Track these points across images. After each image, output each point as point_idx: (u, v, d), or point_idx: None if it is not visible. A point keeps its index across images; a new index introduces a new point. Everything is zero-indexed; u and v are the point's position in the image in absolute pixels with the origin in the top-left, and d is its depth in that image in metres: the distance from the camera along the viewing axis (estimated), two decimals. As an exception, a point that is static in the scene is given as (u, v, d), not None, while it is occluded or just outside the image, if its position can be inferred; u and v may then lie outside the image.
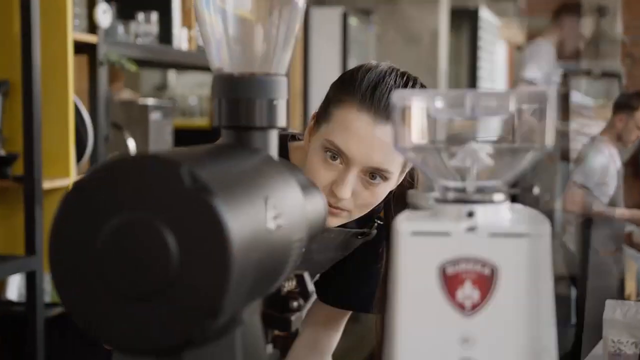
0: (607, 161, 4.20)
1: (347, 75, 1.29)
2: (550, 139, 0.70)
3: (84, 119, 2.58)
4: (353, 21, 5.12)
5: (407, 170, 1.32)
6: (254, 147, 0.80)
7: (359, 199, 1.26)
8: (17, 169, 2.40)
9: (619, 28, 8.55)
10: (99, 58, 2.63)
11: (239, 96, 0.80)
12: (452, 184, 0.72)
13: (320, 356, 1.37)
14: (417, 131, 0.73)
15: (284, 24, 0.83)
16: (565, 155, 4.82)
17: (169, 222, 0.61)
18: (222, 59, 0.82)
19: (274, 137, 0.82)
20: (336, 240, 1.40)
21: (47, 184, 2.41)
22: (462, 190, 0.72)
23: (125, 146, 2.90)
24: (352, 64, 6.06)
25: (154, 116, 3.06)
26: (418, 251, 0.69)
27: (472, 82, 7.40)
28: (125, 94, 3.77)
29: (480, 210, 0.69)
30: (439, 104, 0.71)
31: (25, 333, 2.35)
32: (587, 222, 4.27)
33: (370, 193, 1.26)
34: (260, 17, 0.82)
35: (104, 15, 2.63)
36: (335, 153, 1.24)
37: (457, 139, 0.74)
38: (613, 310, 1.99)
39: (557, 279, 4.24)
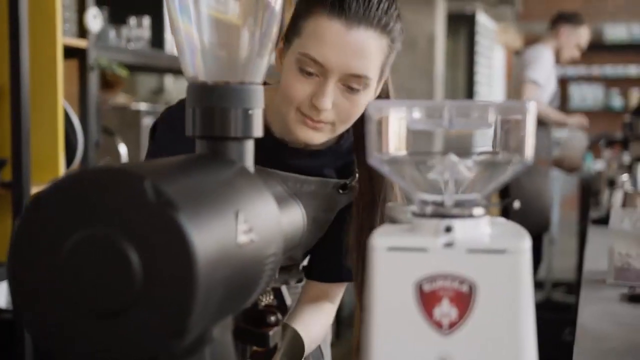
0: (551, 63, 4.50)
1: None
2: (530, 152, 0.67)
3: (74, 124, 2.55)
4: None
5: (384, 78, 1.30)
6: (228, 158, 0.77)
7: (340, 110, 1.24)
8: (6, 174, 2.38)
9: None
10: (89, 63, 2.60)
11: (214, 105, 0.78)
12: (430, 197, 0.70)
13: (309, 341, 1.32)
14: (393, 143, 0.70)
15: (260, 30, 0.80)
16: (558, 164, 4.84)
17: (132, 237, 0.58)
18: (196, 67, 0.80)
19: (249, 147, 0.80)
20: (318, 196, 1.36)
21: (35, 190, 2.38)
22: (441, 204, 0.69)
23: (117, 151, 2.88)
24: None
25: (147, 121, 3.03)
26: (394, 267, 0.67)
27: (470, 86, 7.38)
28: (120, 99, 3.75)
29: (458, 225, 0.67)
30: (416, 115, 0.69)
31: (14, 340, 2.32)
32: None
33: (351, 103, 1.23)
34: (235, 24, 0.80)
35: (95, 20, 2.61)
36: (310, 66, 1.21)
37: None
38: (620, 219, 1.88)
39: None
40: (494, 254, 0.65)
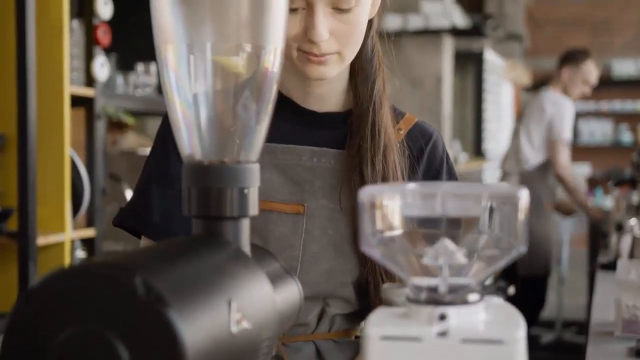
0: (573, 114, 4.51)
1: None
2: (522, 240, 0.67)
3: (80, 173, 2.56)
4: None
5: None
6: (223, 239, 0.77)
7: (340, 35, 1.15)
8: (12, 224, 2.38)
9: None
10: (96, 111, 2.62)
11: (209, 185, 0.78)
12: (424, 282, 0.70)
13: None
14: (386, 228, 0.70)
15: (256, 106, 0.81)
16: (558, 207, 4.83)
17: (123, 334, 0.58)
18: (192, 146, 0.80)
19: (245, 227, 0.80)
20: (338, 173, 1.22)
21: (41, 240, 2.39)
22: (435, 289, 0.69)
23: (123, 197, 2.89)
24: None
25: (153, 166, 3.04)
26: (388, 357, 0.66)
27: (478, 123, 7.39)
28: (130, 138, 3.77)
29: (452, 313, 0.66)
30: (409, 200, 0.69)
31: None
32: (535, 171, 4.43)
33: (349, 25, 1.14)
34: (231, 104, 0.80)
35: (102, 68, 2.63)
36: (291, 2, 1.12)
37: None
38: (627, 270, 1.84)
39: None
40: (489, 344, 0.65)
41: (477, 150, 7.36)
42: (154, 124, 3.94)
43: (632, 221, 3.14)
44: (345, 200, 1.20)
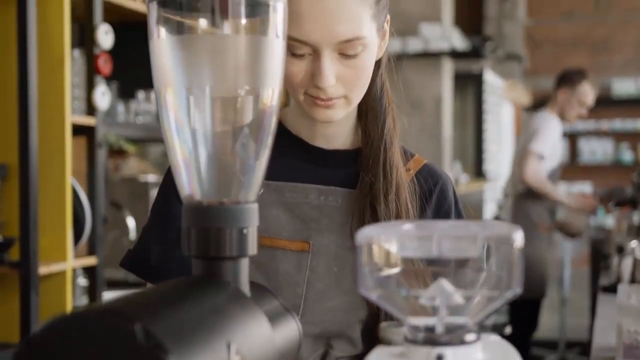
0: (558, 133, 4.50)
1: None
2: (518, 281, 0.68)
3: (82, 202, 2.57)
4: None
5: (384, 24, 1.20)
6: (223, 279, 0.78)
7: (346, 80, 1.14)
8: (14, 253, 2.39)
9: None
10: (97, 140, 2.64)
11: (209, 225, 0.79)
12: (421, 322, 0.70)
13: None
14: (383, 269, 0.71)
15: (253, 152, 0.82)
16: (560, 227, 4.83)
17: (123, 380, 0.59)
18: (191, 187, 0.81)
19: (244, 266, 0.81)
20: (345, 211, 1.22)
21: (43, 269, 2.39)
22: (432, 329, 0.70)
23: (125, 225, 2.90)
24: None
25: (155, 193, 3.05)
26: (386, 398, 0.67)
27: (478, 144, 7.41)
28: (132, 163, 3.78)
29: (450, 353, 0.67)
30: (405, 241, 0.70)
31: None
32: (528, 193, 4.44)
33: (355, 69, 1.14)
34: (229, 144, 0.81)
35: (103, 97, 2.65)
36: (298, 48, 1.12)
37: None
38: (627, 295, 1.83)
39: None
40: (485, 385, 0.65)
41: (477, 171, 7.37)
42: (155, 150, 3.96)
43: (633, 243, 3.14)
44: (350, 245, 1.20)
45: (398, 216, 1.21)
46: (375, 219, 1.20)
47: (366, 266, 0.70)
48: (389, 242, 0.70)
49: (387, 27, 1.23)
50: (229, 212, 0.79)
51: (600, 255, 4.60)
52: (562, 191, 4.60)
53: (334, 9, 1.10)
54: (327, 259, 1.21)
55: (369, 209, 1.21)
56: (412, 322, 0.70)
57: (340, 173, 1.26)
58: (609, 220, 8.20)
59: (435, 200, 1.28)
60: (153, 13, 0.79)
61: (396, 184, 1.22)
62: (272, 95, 0.82)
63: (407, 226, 0.73)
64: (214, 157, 0.81)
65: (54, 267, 2.45)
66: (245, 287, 0.80)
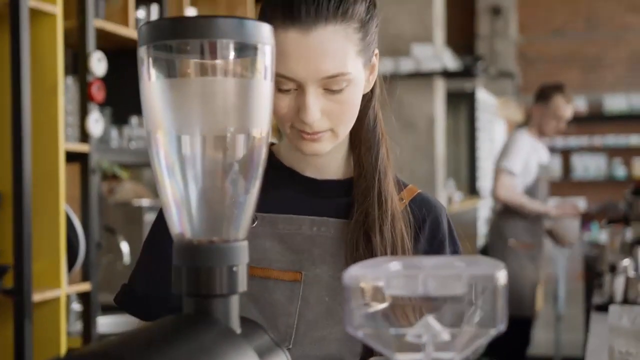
0: (529, 149, 4.43)
1: (265, 1, 1.20)
2: (502, 318, 0.69)
3: (76, 228, 2.58)
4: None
5: (371, 58, 1.21)
6: (213, 317, 0.79)
7: (332, 114, 1.16)
8: (7, 281, 2.40)
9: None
10: (90, 166, 2.65)
11: (199, 264, 0.80)
12: (408, 358, 0.72)
13: None
14: (370, 308, 0.72)
15: (243, 191, 0.83)
16: (552, 235, 4.82)
17: (115, 423, 0.60)
18: (182, 226, 0.83)
19: (234, 303, 0.82)
20: (338, 243, 1.23)
21: (37, 296, 2.40)
22: (419, 366, 0.71)
23: (119, 250, 2.90)
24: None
25: (149, 217, 3.06)
26: None
27: (471, 162, 7.43)
28: (127, 187, 3.79)
29: (437, 390, 0.68)
30: (392, 281, 0.71)
31: None
32: (505, 211, 4.43)
33: (340, 104, 1.15)
34: (219, 185, 0.83)
35: (96, 124, 2.66)
36: (284, 84, 1.14)
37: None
38: (619, 317, 1.84)
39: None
40: (471, 423, 0.67)
41: (471, 189, 7.39)
42: (149, 174, 3.97)
43: (625, 262, 3.15)
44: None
45: (394, 246, 1.22)
46: (370, 249, 1.21)
47: (353, 304, 0.72)
48: (376, 281, 0.71)
49: (375, 60, 1.24)
50: (219, 250, 0.81)
51: (593, 272, 4.61)
52: (542, 202, 4.57)
53: (318, 46, 1.12)
54: (319, 289, 1.22)
55: (363, 239, 1.22)
56: (399, 358, 0.72)
57: (332, 203, 1.27)
58: (602, 235, 8.23)
59: (428, 229, 1.28)
60: (144, 56, 0.81)
61: (391, 214, 1.23)
62: (260, 135, 0.83)
63: (394, 265, 0.74)
64: (204, 196, 0.82)
65: (48, 294, 2.45)
66: (236, 324, 0.81)
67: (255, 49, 0.81)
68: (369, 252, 1.21)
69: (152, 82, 0.80)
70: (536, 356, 5.96)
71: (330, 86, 1.14)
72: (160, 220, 1.28)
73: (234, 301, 0.82)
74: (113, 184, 3.60)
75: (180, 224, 0.83)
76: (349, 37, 1.14)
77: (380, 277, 0.72)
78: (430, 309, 0.73)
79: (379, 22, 1.22)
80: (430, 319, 0.71)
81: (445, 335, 0.71)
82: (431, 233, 1.29)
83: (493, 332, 0.71)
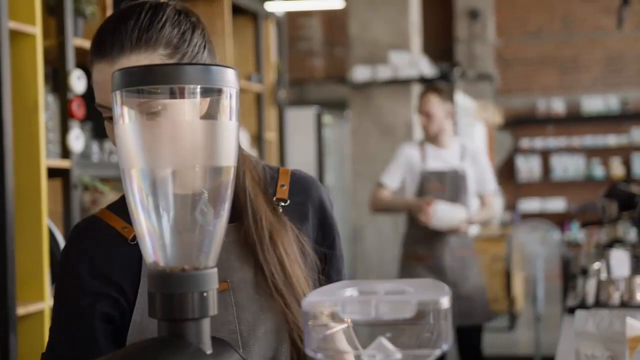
0: (405, 160, 4.24)
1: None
2: (447, 338, 0.76)
3: (58, 242, 2.64)
4: (327, 119, 5.24)
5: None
6: (186, 340, 0.86)
7: None
8: (-9, 296, 2.45)
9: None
10: (72, 182, 2.71)
11: (172, 291, 0.87)
12: (364, 377, 0.79)
13: None
14: (327, 331, 0.79)
15: (212, 221, 0.90)
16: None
17: None
18: (156, 254, 0.89)
19: (206, 326, 0.89)
20: (237, 245, 1.29)
21: (21, 310, 2.45)
22: (373, 384, 0.78)
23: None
24: (329, 160, 6.21)
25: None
26: None
27: (451, 165, 7.52)
28: (110, 197, 3.83)
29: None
30: (347, 307, 0.78)
31: None
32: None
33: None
34: (189, 218, 0.90)
35: (77, 140, 2.72)
36: (106, 112, 1.21)
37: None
38: (584, 321, 1.90)
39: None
40: None
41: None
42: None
43: (596, 265, 3.22)
44: (260, 273, 1.27)
45: (280, 260, 1.27)
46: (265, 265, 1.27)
47: (312, 330, 0.79)
48: (332, 307, 0.78)
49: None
50: (191, 277, 0.87)
51: (570, 273, 4.69)
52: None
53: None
54: (247, 290, 1.27)
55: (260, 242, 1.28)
56: (354, 379, 0.79)
57: None
58: (581, 235, 8.34)
59: (312, 209, 1.35)
60: (117, 100, 0.87)
61: (269, 233, 1.28)
62: (227, 168, 0.90)
63: (349, 291, 0.81)
64: (175, 227, 0.89)
65: (32, 308, 2.51)
66: (207, 345, 0.88)
67: (220, 91, 0.88)
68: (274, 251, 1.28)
69: (126, 124, 0.87)
70: (516, 355, 6.06)
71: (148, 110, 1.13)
72: (67, 275, 1.28)
73: (205, 324, 0.88)
74: (96, 194, 3.64)
75: (154, 253, 0.90)
76: (157, 61, 1.20)
77: (336, 303, 0.79)
78: (382, 331, 0.80)
79: (206, 45, 1.25)
80: (383, 340, 0.78)
81: (397, 355, 0.78)
82: (315, 211, 1.36)
83: (438, 352, 0.78)
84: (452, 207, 4.13)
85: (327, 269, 1.36)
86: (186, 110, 0.88)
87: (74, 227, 1.34)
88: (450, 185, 4.21)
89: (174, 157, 0.87)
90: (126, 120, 0.87)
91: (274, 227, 1.29)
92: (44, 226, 2.54)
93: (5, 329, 2.38)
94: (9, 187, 2.42)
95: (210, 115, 0.88)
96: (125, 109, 0.87)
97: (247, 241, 1.28)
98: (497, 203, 4.38)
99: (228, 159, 0.89)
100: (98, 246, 1.28)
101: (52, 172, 2.68)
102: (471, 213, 4.24)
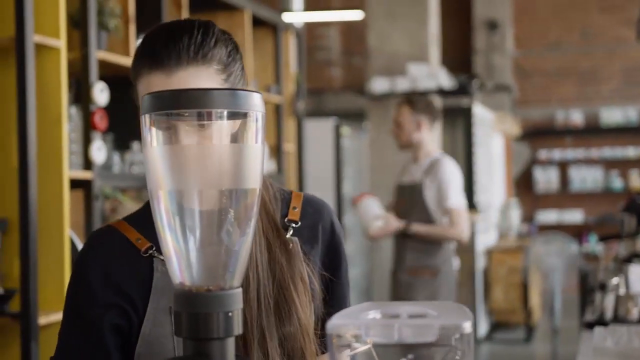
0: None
1: (135, 52, 1.28)
2: (469, 363, 0.77)
3: (80, 253, 2.66)
4: (345, 130, 5.26)
5: None
6: (211, 359, 0.88)
7: None
8: (14, 305, 2.48)
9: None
10: (94, 193, 2.74)
11: (198, 311, 0.89)
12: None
13: None
14: (352, 351, 0.81)
15: (238, 241, 0.92)
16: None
17: None
18: (182, 275, 0.91)
19: (230, 345, 0.90)
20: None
21: (43, 320, 2.48)
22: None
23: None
24: (346, 170, 6.22)
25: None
26: None
27: (469, 176, 7.51)
28: (129, 206, 3.85)
29: None
30: (370, 330, 0.80)
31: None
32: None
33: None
34: (215, 239, 0.91)
35: (99, 152, 2.75)
36: None
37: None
38: (603, 338, 1.91)
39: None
40: None
41: (469, 203, 7.46)
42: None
43: (615, 280, 3.21)
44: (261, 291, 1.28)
45: (279, 283, 1.28)
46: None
47: (335, 350, 0.80)
48: (356, 330, 0.80)
49: None
50: (216, 298, 0.89)
51: (588, 285, 4.67)
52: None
53: (182, 86, 1.20)
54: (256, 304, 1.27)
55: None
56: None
57: None
58: (599, 247, 8.30)
59: (322, 232, 1.37)
60: (146, 123, 0.89)
61: (268, 253, 1.29)
62: (253, 189, 0.92)
63: (372, 314, 0.82)
64: (201, 248, 0.91)
65: (54, 317, 2.53)
66: (232, 366, 0.90)
67: (246, 115, 0.89)
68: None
69: (154, 147, 0.89)
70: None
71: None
72: (79, 282, 1.29)
73: (230, 343, 0.90)
74: (115, 203, 3.68)
75: (180, 274, 0.91)
76: (211, 78, 1.23)
77: (359, 326, 0.80)
78: (405, 353, 0.81)
79: (243, 66, 1.30)
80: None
81: (419, 374, 0.79)
82: (325, 235, 1.37)
83: (460, 375, 0.79)
84: (374, 208, 4.07)
85: (332, 294, 1.36)
86: (213, 133, 0.89)
87: (90, 235, 1.36)
88: (408, 198, 4.15)
89: (201, 179, 0.89)
90: (154, 143, 0.89)
91: (275, 249, 1.29)
92: (66, 237, 2.57)
93: (28, 338, 2.41)
94: (32, 198, 2.45)
95: (237, 138, 0.90)
96: (154, 133, 0.89)
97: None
98: (463, 220, 4.07)
99: (254, 182, 0.90)
100: (112, 255, 1.29)
101: (74, 184, 2.72)
102: (410, 223, 4.03)
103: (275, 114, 4.51)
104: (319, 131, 5.34)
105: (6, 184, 2.55)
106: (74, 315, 1.29)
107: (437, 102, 5.78)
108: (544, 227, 9.77)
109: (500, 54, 9.76)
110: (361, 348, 0.82)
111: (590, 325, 3.10)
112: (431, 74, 5.46)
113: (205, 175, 0.89)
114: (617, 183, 10.14)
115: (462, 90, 5.95)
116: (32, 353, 2.40)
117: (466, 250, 7.11)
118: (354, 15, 7.30)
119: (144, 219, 1.26)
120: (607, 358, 1.97)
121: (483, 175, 7.87)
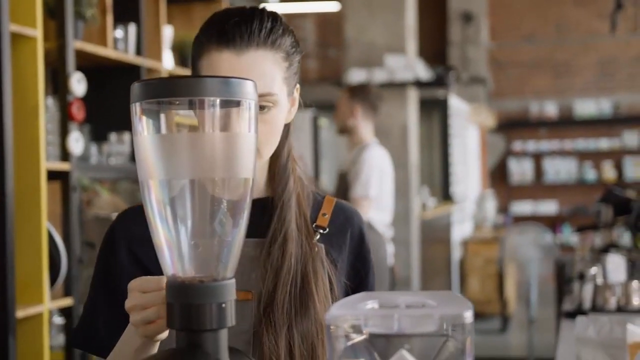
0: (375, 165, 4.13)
1: (200, 29, 1.28)
2: (470, 355, 0.77)
3: (57, 244, 2.63)
4: (323, 122, 5.25)
5: (294, 89, 1.30)
6: (204, 350, 0.86)
7: (259, 133, 1.19)
8: (-10, 299, 2.44)
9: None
10: (71, 184, 2.70)
11: (190, 302, 0.87)
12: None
13: None
14: (349, 342, 0.80)
15: (230, 234, 0.90)
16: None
17: None
18: (174, 267, 0.90)
19: (223, 336, 0.89)
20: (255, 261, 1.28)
21: (20, 313, 2.45)
22: (393, 397, 0.78)
23: (99, 264, 2.94)
24: (324, 163, 6.22)
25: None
26: None
27: (445, 168, 7.54)
28: (105, 198, 3.82)
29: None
30: (369, 321, 0.78)
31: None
32: None
33: (266, 123, 1.22)
34: (207, 229, 0.90)
35: (76, 143, 2.71)
36: None
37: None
38: (585, 327, 1.91)
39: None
40: None
41: (445, 194, 7.49)
42: (126, 187, 4.02)
43: (593, 270, 3.23)
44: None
45: (302, 286, 1.26)
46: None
47: (334, 342, 0.79)
48: (355, 320, 0.79)
49: (297, 94, 1.33)
50: (209, 289, 0.88)
51: (564, 276, 4.69)
52: None
53: (250, 66, 1.21)
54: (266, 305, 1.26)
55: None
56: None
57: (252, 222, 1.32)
58: (574, 238, 8.36)
59: (350, 239, 1.37)
60: (136, 112, 0.87)
61: (295, 257, 1.27)
62: (245, 178, 0.90)
63: (370, 304, 0.81)
64: (193, 238, 0.89)
65: (31, 310, 2.50)
66: (225, 356, 0.88)
67: (238, 104, 0.88)
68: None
69: (145, 136, 0.87)
70: (509, 358, 6.08)
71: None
72: (105, 251, 1.31)
73: (223, 334, 0.89)
74: (91, 195, 3.64)
75: (172, 265, 0.90)
76: (277, 63, 1.24)
77: (358, 316, 0.79)
78: (404, 343, 0.80)
79: (300, 60, 1.31)
80: (405, 352, 0.79)
81: (417, 367, 0.79)
82: (353, 244, 1.37)
83: (459, 366, 0.78)
84: None
85: None
86: (205, 122, 0.88)
87: (121, 212, 1.36)
88: (339, 186, 4.17)
89: (193, 168, 0.88)
90: (144, 132, 0.88)
91: (305, 248, 1.29)
92: (44, 229, 2.54)
93: (5, 331, 2.37)
94: (9, 190, 2.42)
95: (229, 127, 0.88)
96: (144, 121, 0.88)
97: (269, 259, 1.27)
98: (363, 211, 3.82)
99: (247, 171, 0.89)
100: (139, 232, 1.27)
101: (52, 175, 2.68)
102: None
103: (253, 105, 4.46)
104: (297, 123, 5.31)
105: (-18, 176, 2.50)
106: (100, 283, 1.31)
107: (414, 93, 5.79)
108: (518, 218, 9.83)
109: (475, 46, 9.78)
110: (358, 338, 0.81)
111: (569, 315, 3.12)
112: (408, 66, 5.46)
113: (197, 165, 0.88)
114: (590, 174, 10.22)
115: (439, 81, 5.96)
116: (9, 347, 2.37)
117: (442, 241, 7.14)
118: (331, 6, 7.28)
119: None
120: (589, 347, 1.97)
121: (459, 166, 7.91)
